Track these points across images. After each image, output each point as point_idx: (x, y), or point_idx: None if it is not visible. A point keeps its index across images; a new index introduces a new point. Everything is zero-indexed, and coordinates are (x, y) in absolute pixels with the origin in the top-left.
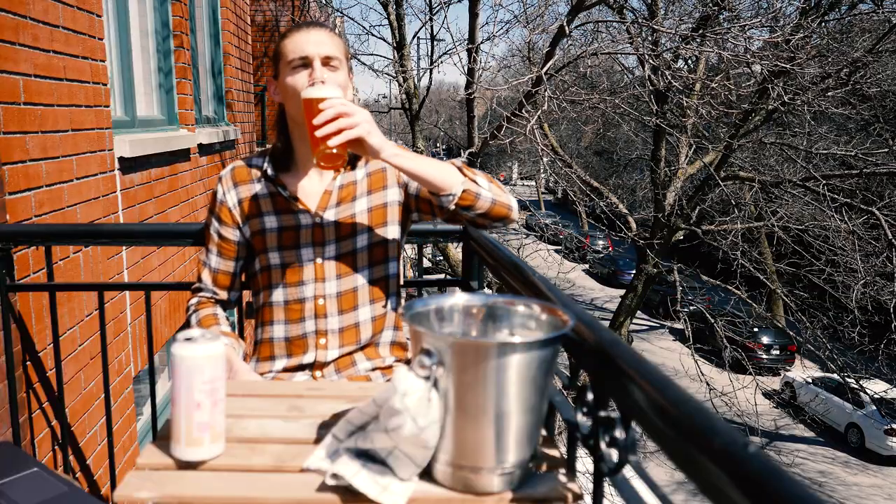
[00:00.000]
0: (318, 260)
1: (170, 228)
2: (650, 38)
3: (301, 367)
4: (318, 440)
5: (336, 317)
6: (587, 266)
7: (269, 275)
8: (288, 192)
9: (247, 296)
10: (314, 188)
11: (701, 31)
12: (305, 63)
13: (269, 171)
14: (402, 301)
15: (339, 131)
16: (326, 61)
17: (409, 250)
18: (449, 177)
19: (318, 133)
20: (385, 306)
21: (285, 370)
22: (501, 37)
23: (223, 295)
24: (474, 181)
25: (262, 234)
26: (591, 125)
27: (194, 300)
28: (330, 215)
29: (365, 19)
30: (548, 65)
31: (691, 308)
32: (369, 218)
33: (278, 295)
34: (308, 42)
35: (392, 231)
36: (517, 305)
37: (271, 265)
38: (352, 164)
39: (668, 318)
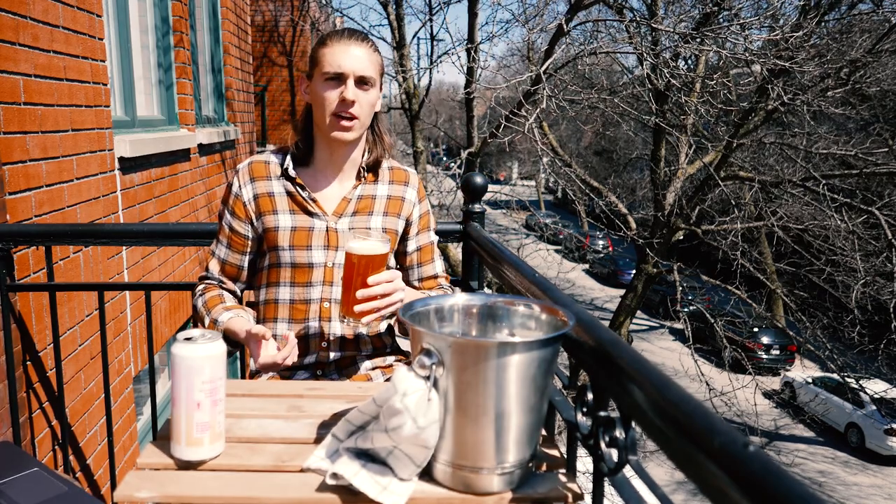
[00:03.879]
0: (329, 264)
1: (170, 228)
2: (649, 37)
3: (302, 367)
4: (318, 440)
5: (339, 323)
6: (587, 266)
7: (279, 272)
8: (307, 193)
9: (248, 295)
10: (333, 192)
11: (700, 30)
12: (340, 78)
13: (290, 170)
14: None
15: (376, 309)
16: (361, 81)
17: None
18: None
19: (357, 308)
20: (386, 327)
21: (286, 368)
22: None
23: (230, 285)
24: None
25: (276, 231)
26: (590, 125)
27: (201, 286)
28: (345, 223)
29: (365, 19)
30: (546, 63)
31: (691, 308)
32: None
33: (285, 293)
34: (347, 57)
35: (391, 256)
36: (517, 305)
37: (281, 263)
38: (374, 172)
39: (668, 318)
